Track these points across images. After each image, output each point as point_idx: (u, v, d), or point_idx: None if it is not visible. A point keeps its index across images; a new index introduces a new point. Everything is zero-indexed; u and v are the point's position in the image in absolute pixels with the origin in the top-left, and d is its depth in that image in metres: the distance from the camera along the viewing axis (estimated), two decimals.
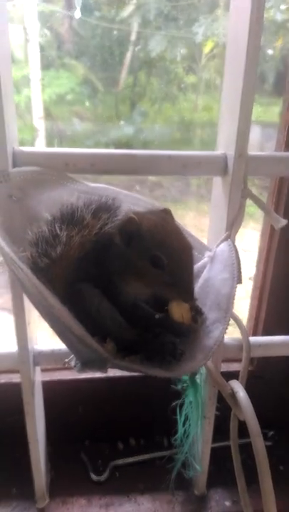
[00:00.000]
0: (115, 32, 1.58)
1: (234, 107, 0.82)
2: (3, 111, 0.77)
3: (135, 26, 1.55)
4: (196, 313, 0.80)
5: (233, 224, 0.88)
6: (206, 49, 1.69)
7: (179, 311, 0.77)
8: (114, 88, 1.79)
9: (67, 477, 1.17)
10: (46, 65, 1.59)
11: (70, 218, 0.76)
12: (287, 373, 1.26)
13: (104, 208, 0.79)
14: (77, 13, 1.32)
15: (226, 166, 0.87)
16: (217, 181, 0.93)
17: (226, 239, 0.88)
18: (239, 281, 0.84)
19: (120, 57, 1.65)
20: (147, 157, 0.86)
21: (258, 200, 0.88)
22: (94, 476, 1.18)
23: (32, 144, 1.65)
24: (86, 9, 1.42)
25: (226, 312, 0.80)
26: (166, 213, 0.80)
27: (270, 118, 1.19)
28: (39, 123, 1.65)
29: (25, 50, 1.52)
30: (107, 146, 1.82)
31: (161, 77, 1.83)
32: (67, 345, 0.78)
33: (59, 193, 0.84)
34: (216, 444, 1.11)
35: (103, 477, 1.17)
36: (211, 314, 0.82)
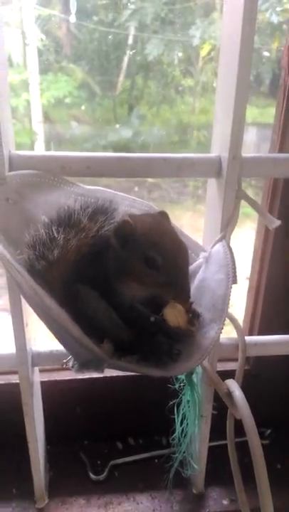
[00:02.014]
0: (113, 36, 1.59)
1: (228, 109, 0.83)
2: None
3: (132, 30, 1.57)
4: (193, 315, 0.81)
5: (228, 225, 0.90)
6: (203, 52, 1.71)
7: (174, 315, 0.77)
8: (112, 91, 1.80)
9: (66, 477, 1.18)
10: (44, 69, 1.60)
11: (67, 221, 0.77)
12: (284, 372, 1.27)
13: (100, 211, 0.80)
14: (72, 18, 1.33)
15: (220, 167, 0.88)
16: (212, 183, 0.94)
17: (220, 240, 0.90)
18: (234, 281, 0.86)
19: (118, 60, 1.66)
20: (142, 160, 0.87)
21: (252, 201, 0.89)
22: (93, 476, 1.18)
23: (31, 148, 1.66)
24: (84, 13, 1.43)
25: (222, 312, 0.81)
26: (162, 216, 0.82)
27: (266, 120, 1.20)
28: (38, 127, 1.66)
29: (23, 54, 1.53)
30: (105, 149, 1.83)
31: (159, 80, 1.84)
32: (64, 346, 0.79)
33: (56, 196, 0.85)
34: (214, 443, 1.12)
35: (102, 476, 1.18)
36: (206, 314, 0.83)
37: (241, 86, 0.80)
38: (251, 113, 1.80)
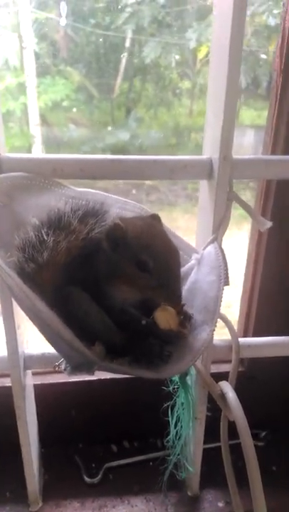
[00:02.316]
0: (110, 39, 1.59)
1: (218, 111, 0.83)
2: None
3: (130, 33, 1.57)
4: (185, 317, 0.81)
5: (220, 226, 0.89)
6: (200, 54, 1.71)
7: (165, 318, 0.77)
8: (110, 94, 1.80)
9: (60, 480, 1.18)
10: (42, 72, 1.61)
11: (57, 224, 0.77)
12: (279, 373, 1.27)
13: (91, 213, 0.80)
14: (63, 21, 1.33)
15: (211, 169, 0.88)
16: (203, 184, 0.94)
17: (212, 241, 0.89)
18: (226, 283, 0.85)
19: (115, 63, 1.67)
20: (135, 162, 0.88)
21: (243, 203, 0.89)
22: (87, 479, 1.18)
23: (29, 151, 1.67)
24: (81, 16, 1.44)
25: (214, 314, 0.81)
26: (154, 218, 0.82)
27: (264, 122, 1.20)
28: (35, 130, 1.66)
29: (20, 57, 1.54)
30: (103, 151, 1.84)
31: (156, 82, 1.84)
32: (56, 349, 0.79)
33: (46, 198, 0.85)
34: (209, 445, 1.12)
35: (97, 479, 1.18)
36: (198, 316, 0.83)
37: (231, 88, 0.80)
38: (249, 115, 1.81)
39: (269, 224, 0.88)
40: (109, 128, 1.88)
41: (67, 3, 1.31)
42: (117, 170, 0.88)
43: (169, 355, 0.78)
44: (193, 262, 0.91)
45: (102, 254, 0.77)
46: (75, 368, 0.79)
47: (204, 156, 0.90)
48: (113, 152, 1.85)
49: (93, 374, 0.75)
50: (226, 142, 0.84)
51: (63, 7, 1.26)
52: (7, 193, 0.82)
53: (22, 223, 0.80)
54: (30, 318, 0.76)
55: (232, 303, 1.35)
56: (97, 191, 0.90)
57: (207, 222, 0.92)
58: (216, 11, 0.85)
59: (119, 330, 0.79)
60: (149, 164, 0.88)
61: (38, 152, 1.65)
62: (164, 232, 0.80)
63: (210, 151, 0.90)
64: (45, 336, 0.76)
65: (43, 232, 0.76)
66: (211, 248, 0.89)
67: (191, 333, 0.82)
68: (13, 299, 0.88)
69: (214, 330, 0.80)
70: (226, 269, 0.87)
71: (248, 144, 1.73)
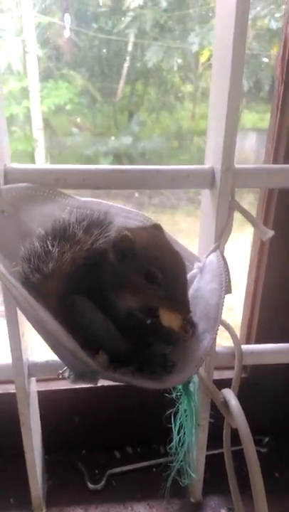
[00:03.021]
0: (113, 43, 1.60)
1: (220, 121, 0.83)
2: None
3: (132, 37, 1.58)
4: (188, 323, 0.81)
5: (222, 235, 0.90)
6: (203, 58, 1.72)
7: (168, 317, 0.78)
8: (112, 98, 1.81)
9: (64, 486, 1.19)
10: (45, 76, 1.61)
11: (62, 234, 0.78)
12: (282, 380, 1.27)
13: (96, 224, 0.80)
14: (67, 32, 1.34)
15: (213, 179, 0.89)
16: (206, 193, 0.94)
17: (214, 250, 0.90)
18: (228, 291, 0.86)
19: (118, 67, 1.67)
20: (137, 172, 0.88)
21: (245, 212, 0.89)
22: (91, 485, 1.18)
23: (32, 155, 1.68)
24: (83, 21, 1.44)
25: (215, 322, 0.81)
26: (157, 228, 0.82)
27: (266, 125, 1.21)
28: (38, 134, 1.67)
29: (23, 62, 1.55)
30: (106, 155, 1.84)
31: (159, 86, 1.85)
32: (60, 357, 0.80)
33: (51, 208, 0.86)
34: (212, 452, 1.12)
35: (100, 486, 1.18)
36: (200, 324, 0.83)
37: (233, 97, 0.80)
38: (251, 118, 1.81)
39: (271, 233, 0.89)
40: (112, 131, 1.89)
41: (70, 10, 1.32)
42: (119, 180, 0.88)
43: (172, 366, 0.79)
44: (195, 270, 0.92)
45: (107, 265, 0.78)
46: (79, 376, 0.79)
47: (206, 166, 0.91)
48: (116, 156, 1.86)
49: (96, 384, 0.75)
50: (228, 152, 0.84)
51: (67, 18, 1.27)
52: (12, 204, 0.83)
53: (27, 233, 0.80)
54: (35, 328, 0.77)
55: (234, 305, 1.35)
56: (101, 201, 0.90)
57: (209, 230, 0.93)
58: (218, 14, 0.85)
59: (124, 338, 0.80)
60: (152, 174, 0.88)
61: (40, 155, 1.66)
62: (169, 243, 0.80)
63: (212, 160, 0.90)
64: (49, 345, 0.77)
65: (48, 242, 0.76)
66: (213, 256, 0.90)
67: (193, 341, 0.82)
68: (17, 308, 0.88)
69: (215, 338, 0.81)
70: (228, 278, 0.87)
71: (249, 147, 1.74)
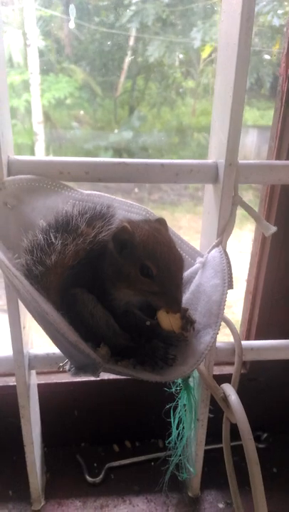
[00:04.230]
0: (114, 37, 1.59)
1: (224, 117, 0.83)
2: None
3: (134, 31, 1.57)
4: (187, 321, 0.81)
5: (224, 230, 0.90)
6: (204, 54, 1.71)
7: (167, 319, 0.78)
8: (113, 93, 1.80)
9: (62, 479, 1.19)
10: (45, 70, 1.60)
11: (65, 226, 0.78)
12: (281, 376, 1.27)
13: (98, 217, 0.80)
14: (72, 24, 1.33)
15: (216, 174, 0.89)
16: (209, 188, 0.94)
17: (217, 245, 0.90)
18: (230, 286, 0.86)
19: (119, 61, 1.66)
20: (141, 165, 0.88)
21: (248, 208, 0.89)
22: (89, 478, 1.19)
23: (32, 149, 1.67)
24: (85, 14, 1.43)
25: (217, 317, 0.81)
26: (161, 223, 0.82)
27: (267, 122, 1.21)
28: (38, 127, 1.66)
29: (24, 54, 1.54)
30: (106, 149, 1.84)
31: (160, 81, 1.84)
32: (61, 350, 0.80)
33: (54, 201, 0.86)
34: (210, 446, 1.13)
35: (98, 479, 1.19)
36: (202, 319, 0.83)
37: (238, 95, 0.80)
38: (252, 115, 1.81)
39: (274, 229, 0.89)
40: (112, 126, 1.89)
41: (71, 7, 1.31)
42: (122, 173, 0.88)
43: (173, 359, 0.79)
44: (197, 265, 0.92)
45: (108, 256, 0.78)
46: (80, 369, 0.79)
47: (210, 161, 0.91)
48: (116, 150, 1.85)
49: (98, 377, 0.75)
50: (232, 147, 0.84)
51: (72, 10, 1.26)
52: (15, 195, 0.83)
53: (30, 225, 0.80)
54: (36, 320, 0.77)
55: (233, 303, 1.36)
56: (104, 194, 0.90)
57: (212, 225, 0.93)
58: (223, 10, 0.85)
59: (124, 332, 0.80)
60: (155, 168, 0.88)
61: (40, 149, 1.65)
62: (170, 238, 0.80)
63: (215, 155, 0.90)
64: (50, 337, 0.77)
65: (51, 235, 0.76)
66: (215, 252, 0.90)
67: (194, 337, 0.82)
68: (19, 300, 0.88)
69: (217, 333, 0.81)
70: (230, 273, 0.87)
71: (251, 144, 1.74)
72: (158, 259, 0.74)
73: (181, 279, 0.78)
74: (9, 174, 0.84)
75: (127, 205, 0.91)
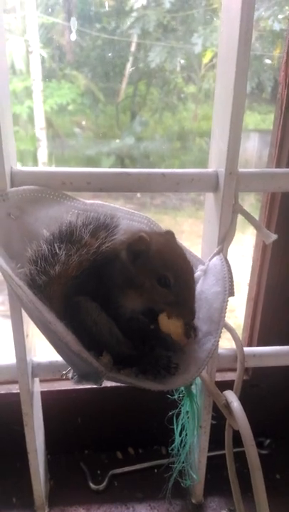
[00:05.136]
0: (116, 43, 1.60)
1: (224, 125, 0.84)
2: (1, 131, 0.79)
3: (135, 37, 1.58)
4: (190, 328, 0.82)
5: (225, 238, 0.91)
6: (205, 59, 1.72)
7: (166, 321, 0.79)
8: (115, 98, 1.81)
9: (66, 486, 1.19)
10: (48, 76, 1.61)
11: (69, 237, 0.78)
12: (284, 382, 1.27)
13: (102, 227, 0.80)
14: (73, 36, 1.34)
15: (217, 182, 0.89)
16: (209, 197, 0.95)
17: (218, 253, 0.91)
18: (231, 294, 0.87)
19: (121, 68, 1.67)
20: (142, 175, 0.89)
21: (249, 216, 0.90)
22: (93, 485, 1.19)
23: (34, 155, 1.68)
24: (87, 21, 1.45)
25: (218, 325, 0.82)
26: (170, 235, 0.84)
27: (268, 126, 1.21)
28: (41, 133, 1.67)
29: (26, 61, 1.55)
30: (108, 155, 1.84)
31: (161, 87, 1.85)
32: (64, 358, 0.81)
33: (56, 211, 0.87)
34: (213, 453, 1.12)
35: (102, 486, 1.19)
36: (203, 327, 0.84)
37: (237, 104, 0.81)
38: (253, 119, 1.82)
39: (274, 237, 0.90)
40: (114, 132, 1.89)
41: (74, 11, 1.32)
42: (123, 183, 0.89)
43: (176, 368, 0.80)
44: (199, 273, 0.93)
45: (118, 264, 0.79)
46: (83, 377, 0.80)
47: (210, 170, 0.91)
48: (118, 156, 1.86)
49: (100, 385, 0.76)
50: (232, 156, 0.85)
51: (73, 22, 1.27)
52: (19, 206, 0.83)
53: (33, 235, 0.81)
54: (39, 328, 0.78)
55: (235, 307, 1.36)
56: (106, 203, 0.91)
57: (213, 233, 0.94)
58: (223, 16, 0.85)
59: (127, 339, 0.81)
60: (156, 177, 0.89)
61: (43, 155, 1.66)
62: (182, 250, 0.82)
63: (216, 164, 0.91)
64: (53, 346, 0.78)
65: (55, 245, 0.77)
66: (216, 260, 0.91)
67: (196, 344, 0.83)
68: (22, 309, 0.89)
69: (219, 340, 0.82)
70: (231, 281, 0.88)
71: (252, 148, 1.74)
72: (175, 270, 0.76)
73: (194, 289, 0.80)
74: (12, 185, 0.85)
75: (128, 214, 0.92)
